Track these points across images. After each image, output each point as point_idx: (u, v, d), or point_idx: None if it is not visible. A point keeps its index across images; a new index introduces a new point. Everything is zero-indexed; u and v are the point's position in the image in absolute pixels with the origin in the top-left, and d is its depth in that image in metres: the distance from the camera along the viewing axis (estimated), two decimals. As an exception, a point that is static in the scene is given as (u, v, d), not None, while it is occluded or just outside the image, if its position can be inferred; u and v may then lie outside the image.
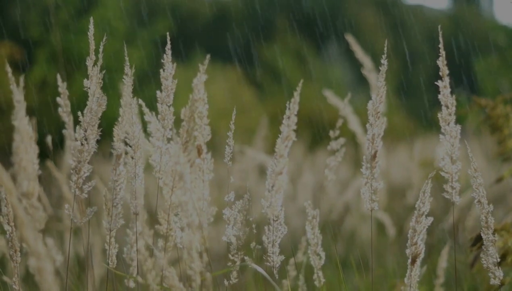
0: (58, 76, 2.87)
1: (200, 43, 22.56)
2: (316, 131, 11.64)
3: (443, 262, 3.53)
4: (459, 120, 2.51)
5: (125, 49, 2.55)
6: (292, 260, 3.02)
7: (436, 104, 2.62)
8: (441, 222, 5.30)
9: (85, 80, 2.49)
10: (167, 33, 2.55)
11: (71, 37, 10.61)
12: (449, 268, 4.03)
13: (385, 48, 2.51)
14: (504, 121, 3.49)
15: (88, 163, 2.48)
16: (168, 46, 2.52)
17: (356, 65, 4.80)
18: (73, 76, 9.87)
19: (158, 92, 2.53)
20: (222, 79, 16.48)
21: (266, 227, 2.43)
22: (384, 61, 2.47)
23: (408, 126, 15.90)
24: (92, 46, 2.50)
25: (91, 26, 2.50)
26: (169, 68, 2.54)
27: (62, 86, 2.85)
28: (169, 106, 2.53)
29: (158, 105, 2.53)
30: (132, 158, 2.50)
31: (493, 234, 2.42)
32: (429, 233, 5.18)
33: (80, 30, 10.73)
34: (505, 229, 3.00)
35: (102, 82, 2.50)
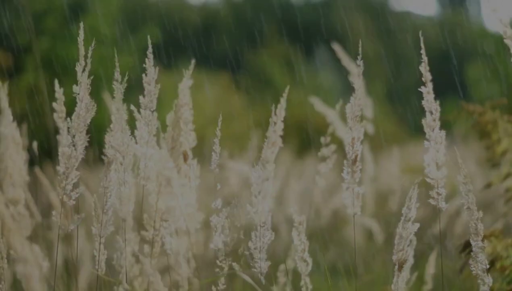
0: (56, 82, 2.86)
1: (189, 50, 22.55)
2: (304, 138, 11.63)
3: (431, 268, 3.52)
4: (448, 126, 2.51)
5: (116, 55, 2.54)
6: (281, 267, 3.01)
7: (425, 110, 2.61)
8: (430, 228, 5.30)
9: (74, 86, 2.48)
10: (148, 37, 2.54)
11: (59, 44, 10.59)
12: (439, 274, 4.04)
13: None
14: (493, 127, 3.49)
15: (76, 169, 2.47)
16: (150, 50, 2.51)
17: (346, 71, 4.79)
18: (61, 83, 9.82)
19: (141, 97, 2.52)
20: (211, 86, 16.47)
21: (252, 233, 2.41)
22: (360, 62, 2.47)
23: (398, 132, 15.92)
24: (82, 52, 2.48)
25: (81, 32, 2.48)
26: (151, 72, 2.52)
27: (58, 92, 2.85)
28: (152, 112, 2.52)
29: (142, 110, 2.51)
30: (121, 164, 2.48)
31: (482, 240, 2.42)
32: (418, 239, 5.17)
33: (68, 37, 10.71)
34: (494, 235, 3.00)
35: (90, 89, 2.49)
